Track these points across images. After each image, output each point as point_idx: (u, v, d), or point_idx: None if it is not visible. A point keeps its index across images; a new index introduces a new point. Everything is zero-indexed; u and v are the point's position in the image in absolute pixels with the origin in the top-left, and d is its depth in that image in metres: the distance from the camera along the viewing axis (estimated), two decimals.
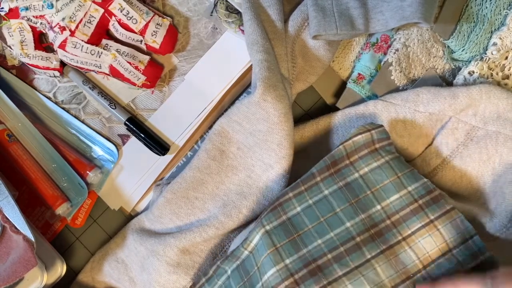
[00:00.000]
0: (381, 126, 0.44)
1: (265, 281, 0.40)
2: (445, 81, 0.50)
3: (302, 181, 0.43)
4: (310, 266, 0.39)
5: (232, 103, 0.53)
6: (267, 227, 0.41)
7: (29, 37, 0.50)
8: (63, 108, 0.52)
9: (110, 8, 0.49)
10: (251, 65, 0.50)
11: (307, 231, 0.41)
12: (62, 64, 0.51)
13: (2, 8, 0.50)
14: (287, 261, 0.39)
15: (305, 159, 0.52)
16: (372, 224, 0.41)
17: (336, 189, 0.42)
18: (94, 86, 0.52)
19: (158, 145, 0.51)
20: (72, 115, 0.52)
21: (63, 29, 0.48)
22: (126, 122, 0.51)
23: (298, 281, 0.39)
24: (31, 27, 0.50)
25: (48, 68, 0.50)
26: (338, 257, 0.39)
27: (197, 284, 0.44)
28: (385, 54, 0.50)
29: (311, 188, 0.43)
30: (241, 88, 0.53)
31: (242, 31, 0.50)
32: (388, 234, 0.40)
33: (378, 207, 0.41)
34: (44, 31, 0.50)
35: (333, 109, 0.53)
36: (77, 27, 0.48)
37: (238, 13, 0.51)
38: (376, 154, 0.43)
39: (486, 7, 0.49)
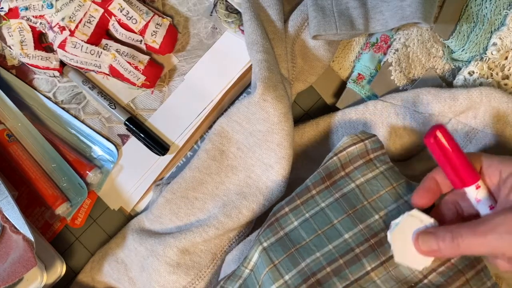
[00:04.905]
0: (374, 135, 0.43)
1: None
2: (445, 81, 0.50)
3: (298, 194, 0.42)
4: (309, 281, 0.38)
5: (232, 103, 0.53)
6: (265, 244, 0.41)
7: (29, 37, 0.50)
8: (63, 108, 0.52)
9: (110, 8, 0.49)
10: (251, 65, 0.50)
11: (305, 245, 0.40)
12: (62, 64, 0.51)
13: (2, 8, 0.50)
14: (286, 277, 0.39)
15: (305, 159, 0.52)
16: (372, 234, 0.40)
17: (332, 201, 0.41)
18: (94, 86, 0.52)
19: (158, 145, 0.51)
20: (72, 115, 0.52)
21: (62, 29, 0.48)
22: (126, 122, 0.51)
23: None
24: (31, 27, 0.50)
25: (48, 68, 0.50)
26: (337, 270, 0.39)
27: None
28: (385, 54, 0.50)
29: (307, 201, 0.42)
30: (241, 88, 0.53)
31: (242, 31, 0.50)
32: (388, 244, 0.39)
33: (376, 216, 0.40)
34: (43, 31, 0.50)
35: (333, 109, 0.53)
36: (76, 27, 0.48)
37: (238, 13, 0.51)
38: (371, 164, 0.43)
39: (486, 7, 0.49)
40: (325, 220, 0.41)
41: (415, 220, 0.38)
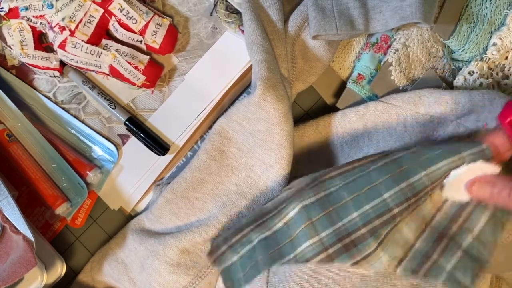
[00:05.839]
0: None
1: (298, 253, 0.39)
2: (445, 81, 0.50)
3: (348, 163, 0.42)
4: (344, 241, 0.38)
5: (232, 103, 0.53)
6: (305, 202, 0.40)
7: (29, 37, 0.50)
8: (63, 108, 0.52)
9: (110, 8, 0.49)
10: (251, 65, 0.50)
11: (344, 204, 0.40)
12: (62, 64, 0.51)
13: (2, 8, 0.50)
14: (322, 235, 0.39)
15: (305, 159, 0.52)
16: (414, 193, 0.39)
17: (381, 165, 0.41)
18: (94, 86, 0.52)
19: (158, 145, 0.51)
20: (72, 115, 0.52)
21: (63, 29, 0.48)
22: (126, 122, 0.51)
23: (332, 256, 0.38)
24: (31, 27, 0.50)
25: (48, 68, 0.50)
26: (373, 230, 0.38)
27: (218, 251, 0.43)
28: (385, 54, 0.50)
29: (357, 167, 0.41)
30: (241, 88, 0.53)
31: (242, 31, 0.50)
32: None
33: (422, 173, 0.39)
34: (44, 31, 0.50)
35: (333, 109, 0.53)
36: (77, 27, 0.48)
37: (238, 13, 0.51)
38: None
39: (486, 7, 0.49)
40: (367, 181, 0.40)
41: (476, 170, 0.37)
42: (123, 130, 0.52)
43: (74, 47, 0.48)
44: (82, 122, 0.52)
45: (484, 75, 0.47)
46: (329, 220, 0.39)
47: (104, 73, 0.50)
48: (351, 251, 0.38)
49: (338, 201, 0.40)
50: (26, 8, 0.49)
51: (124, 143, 0.52)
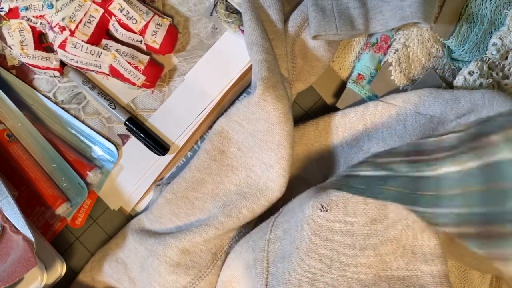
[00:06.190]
0: None
1: (433, 213, 0.34)
2: (445, 81, 0.50)
3: None
4: (491, 228, 0.32)
5: (232, 103, 0.53)
6: (465, 166, 0.34)
7: (29, 37, 0.50)
8: (63, 108, 0.52)
9: (110, 8, 0.49)
10: (251, 65, 0.50)
11: (502, 188, 0.32)
12: (62, 64, 0.51)
13: (2, 8, 0.50)
14: (473, 211, 0.33)
15: (305, 159, 0.52)
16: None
17: None
18: (94, 86, 0.52)
19: (158, 145, 0.51)
20: (72, 115, 0.52)
21: (63, 29, 0.48)
22: (126, 122, 0.51)
23: (464, 236, 0.33)
24: (31, 27, 0.50)
25: (48, 68, 0.50)
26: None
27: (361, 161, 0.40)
28: (385, 54, 0.50)
29: None
30: (241, 88, 0.53)
31: (242, 31, 0.50)
32: None
33: None
34: (44, 31, 0.50)
35: (333, 109, 0.53)
36: (77, 27, 0.48)
37: (238, 13, 0.51)
38: None
39: (486, 7, 0.49)
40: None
41: None
42: (123, 130, 0.52)
43: (74, 47, 0.48)
44: (82, 122, 0.52)
45: (484, 75, 0.47)
46: (489, 198, 0.32)
47: (104, 73, 0.50)
48: (492, 240, 0.32)
49: (504, 179, 0.32)
50: (26, 8, 0.49)
51: (124, 143, 0.52)
